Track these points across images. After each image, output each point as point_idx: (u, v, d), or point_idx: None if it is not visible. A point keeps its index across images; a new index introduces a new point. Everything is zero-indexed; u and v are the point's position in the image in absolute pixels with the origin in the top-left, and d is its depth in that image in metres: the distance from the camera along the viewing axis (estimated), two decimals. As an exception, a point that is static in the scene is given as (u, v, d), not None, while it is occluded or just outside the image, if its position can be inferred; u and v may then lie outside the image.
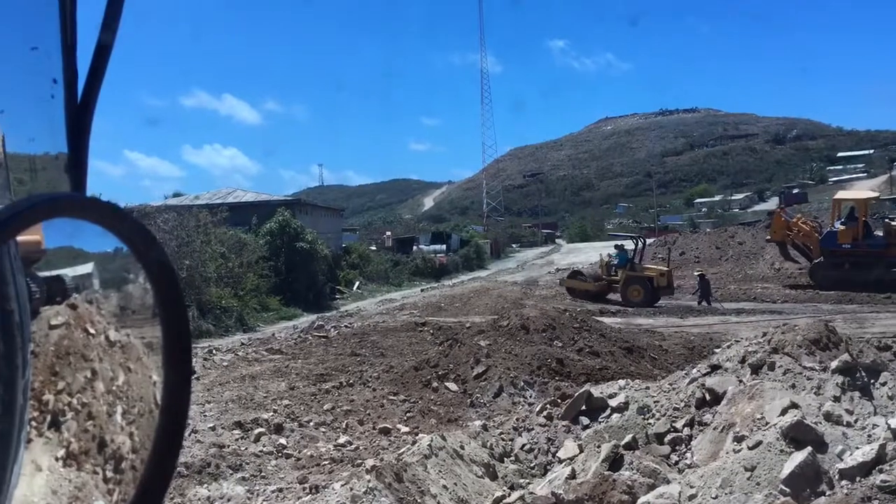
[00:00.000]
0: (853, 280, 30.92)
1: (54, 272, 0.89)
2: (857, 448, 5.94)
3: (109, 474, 0.90)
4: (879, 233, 32.90)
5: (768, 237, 38.20)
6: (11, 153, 1.02)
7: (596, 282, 32.10)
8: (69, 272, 0.91)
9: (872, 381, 7.71)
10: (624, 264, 31.07)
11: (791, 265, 36.82)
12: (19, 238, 0.77)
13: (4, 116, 0.94)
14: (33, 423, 0.84)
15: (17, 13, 0.94)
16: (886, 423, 6.14)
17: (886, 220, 34.14)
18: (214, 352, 19.64)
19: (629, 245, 32.03)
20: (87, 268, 0.93)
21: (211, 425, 11.29)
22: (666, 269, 31.26)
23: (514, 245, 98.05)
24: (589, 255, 63.51)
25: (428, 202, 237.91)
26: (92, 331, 0.91)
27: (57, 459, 0.83)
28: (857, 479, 5.60)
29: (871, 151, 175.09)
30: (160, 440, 0.93)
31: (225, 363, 18.04)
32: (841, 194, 38.51)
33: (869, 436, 6.17)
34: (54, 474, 0.83)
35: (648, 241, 59.40)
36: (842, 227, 32.89)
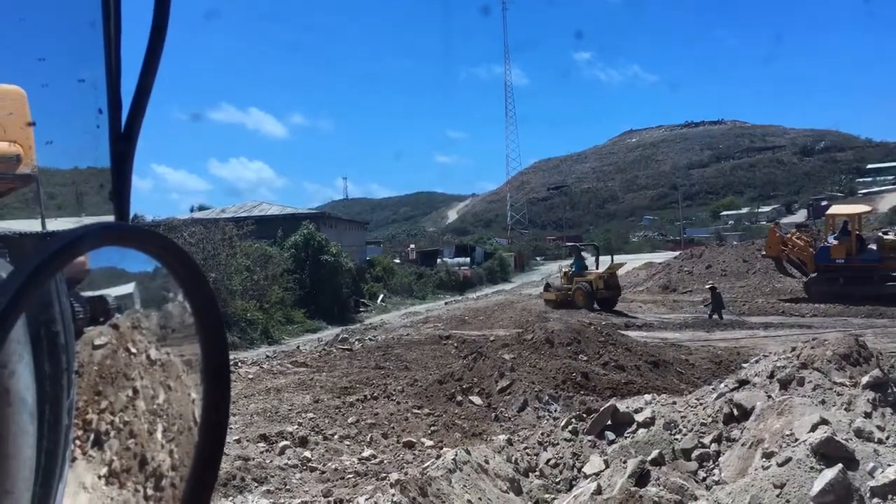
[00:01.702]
0: (848, 294, 30.73)
1: (97, 292, 0.92)
2: (889, 465, 5.85)
3: (150, 492, 0.92)
4: (873, 247, 32.58)
5: (763, 253, 38.44)
6: (55, 170, 1.05)
7: (558, 291, 34.13)
8: (111, 292, 0.94)
9: (904, 397, 7.58)
10: (579, 272, 34.03)
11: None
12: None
13: (53, 147, 0.97)
14: (77, 442, 0.87)
15: (64, 46, 0.98)
16: (919, 440, 6.04)
17: (880, 234, 33.75)
18: (240, 364, 19.77)
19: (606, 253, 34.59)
20: (128, 287, 0.95)
21: (236, 438, 11.35)
22: (605, 272, 33.14)
23: (538, 258, 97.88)
24: (614, 268, 63.20)
25: (452, 215, 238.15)
26: (133, 350, 0.94)
27: (100, 478, 0.85)
28: (889, 496, 5.51)
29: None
30: (199, 457, 0.94)
31: (250, 376, 18.14)
32: (834, 209, 38.34)
33: (901, 453, 6.08)
34: (97, 492, 0.85)
35: (674, 254, 59.20)
36: (835, 242, 32.72)
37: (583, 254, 36.46)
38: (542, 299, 35.78)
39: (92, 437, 0.86)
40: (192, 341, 0.97)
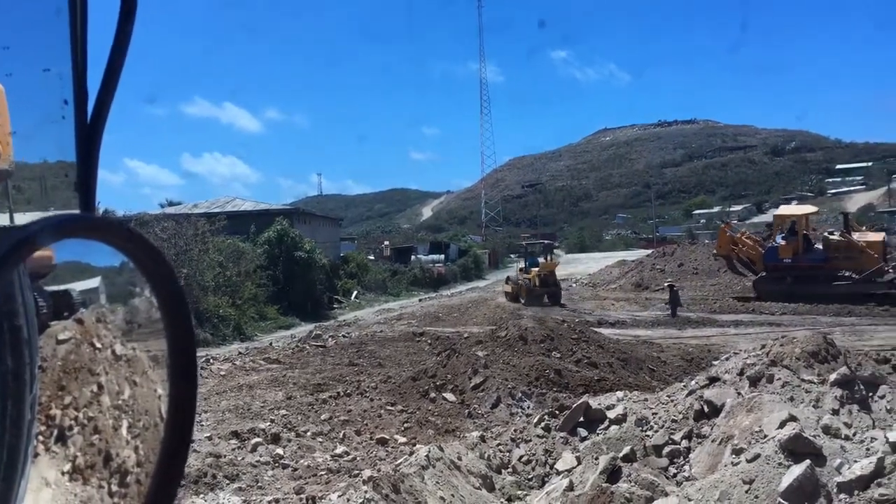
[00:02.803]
0: (795, 293, 31.43)
1: (61, 287, 0.90)
2: (856, 461, 5.94)
3: (115, 488, 0.91)
4: (820, 246, 33.26)
5: (715, 251, 39.33)
6: (22, 163, 1.03)
7: (515, 285, 37.03)
8: (76, 287, 0.92)
9: (871, 394, 7.71)
10: (528, 269, 36.70)
11: None
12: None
13: (17, 137, 0.95)
14: (40, 438, 0.85)
15: (29, 36, 0.96)
16: (885, 436, 6.13)
17: (826, 234, 34.51)
18: (212, 361, 19.62)
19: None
20: (93, 282, 0.93)
21: (207, 435, 11.26)
22: (542, 270, 35.53)
23: (512, 255, 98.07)
24: (587, 265, 63.60)
25: (426, 212, 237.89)
26: (98, 345, 0.92)
27: (63, 473, 0.84)
28: (856, 492, 5.59)
29: (870, 164, 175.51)
30: (165, 454, 0.93)
31: (222, 372, 18.01)
32: (782, 209, 39.34)
33: (867, 449, 6.16)
34: (60, 488, 0.84)
35: (647, 252, 59.69)
36: (783, 242, 33.45)
37: (531, 251, 40.60)
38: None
39: (55, 432, 0.84)
40: (159, 337, 0.95)
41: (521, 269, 38.53)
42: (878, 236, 34.49)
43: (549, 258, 38.91)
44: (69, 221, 0.73)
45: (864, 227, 37.86)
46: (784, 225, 34.88)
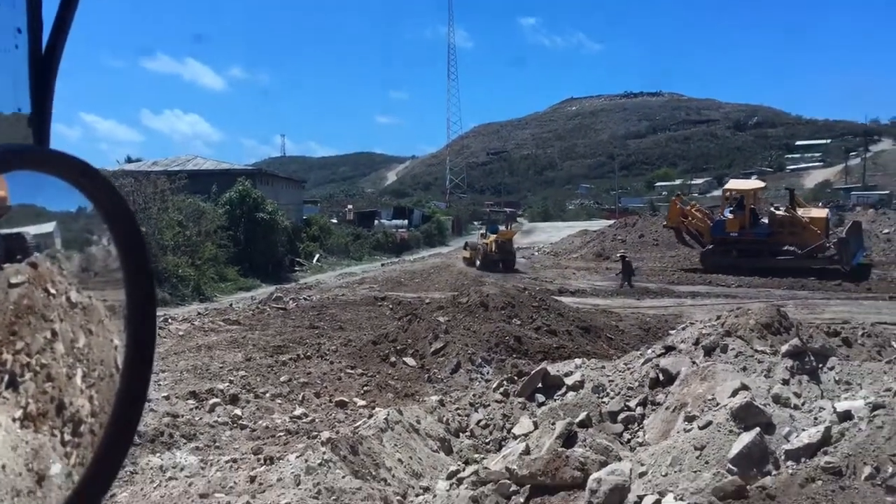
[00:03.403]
0: (740, 266, 32.31)
1: (15, 229, 0.87)
2: (804, 430, 6.08)
3: (67, 437, 0.89)
4: (765, 221, 34.07)
5: (665, 223, 40.34)
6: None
7: (473, 250, 38.31)
8: (30, 230, 0.89)
9: (821, 365, 7.90)
10: (489, 234, 38.12)
11: None
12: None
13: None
14: (-10, 383, 0.82)
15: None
16: (832, 406, 6.29)
17: (772, 209, 35.35)
18: (170, 321, 19.40)
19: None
20: (48, 227, 0.90)
21: (165, 394, 11.17)
22: (499, 237, 36.78)
23: (476, 222, 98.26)
24: (549, 234, 64.04)
25: (391, 176, 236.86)
26: (53, 291, 0.89)
27: (14, 420, 0.82)
28: (803, 459, 5.75)
29: (829, 141, 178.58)
30: (120, 405, 0.91)
31: (181, 333, 17.85)
32: (731, 184, 40.21)
33: (815, 418, 6.32)
34: (11, 435, 0.82)
35: (609, 222, 60.23)
36: (730, 216, 34.20)
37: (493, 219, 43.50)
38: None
39: (6, 378, 0.81)
40: (117, 287, 0.93)
41: (481, 235, 39.53)
42: (821, 212, 35.48)
43: (508, 226, 39.81)
44: (22, 151, 0.70)
45: (819, 204, 38.67)
46: (732, 199, 35.53)
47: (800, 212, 34.02)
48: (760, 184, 39.29)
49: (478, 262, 36.13)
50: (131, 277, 0.84)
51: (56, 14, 0.91)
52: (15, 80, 0.91)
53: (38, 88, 0.91)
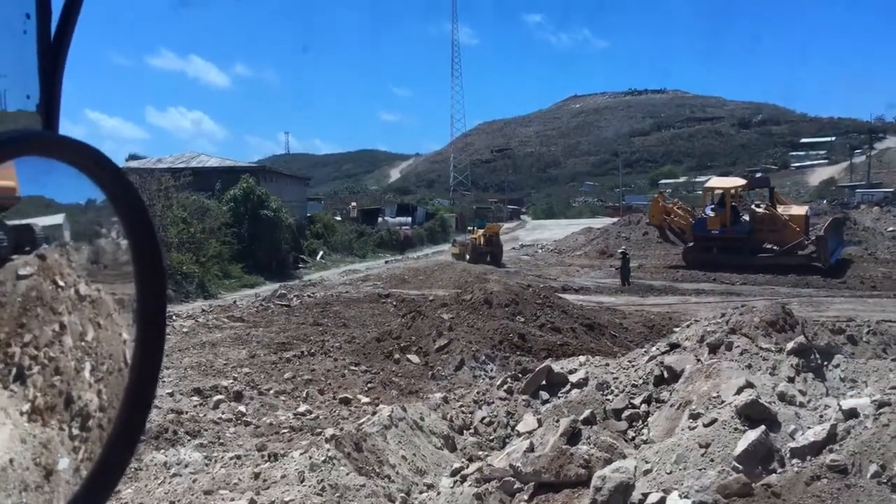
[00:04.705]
0: (720, 263, 32.38)
1: (24, 221, 0.86)
2: (809, 428, 6.07)
3: (76, 432, 0.88)
4: (746, 218, 34.12)
5: (648, 221, 40.86)
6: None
7: (462, 246, 39.93)
8: (39, 221, 0.88)
9: (826, 363, 7.88)
10: (477, 229, 40.26)
11: None
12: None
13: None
14: (-2, 376, 0.82)
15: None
16: (838, 404, 6.28)
17: (753, 206, 35.43)
18: (174, 318, 19.42)
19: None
20: (57, 219, 0.89)
21: (169, 391, 11.19)
22: (487, 232, 38.68)
23: (479, 220, 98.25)
24: (553, 231, 63.94)
25: (395, 174, 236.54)
26: (61, 283, 0.88)
27: (22, 414, 0.81)
28: (808, 457, 5.73)
29: (833, 138, 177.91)
30: (129, 399, 0.90)
31: (185, 329, 17.87)
32: (712, 182, 40.47)
33: (821, 416, 6.31)
34: (19, 428, 0.81)
35: (613, 220, 60.17)
36: (711, 214, 34.37)
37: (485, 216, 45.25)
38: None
39: (14, 371, 0.80)
40: (126, 280, 0.92)
41: (470, 231, 42.26)
42: (801, 210, 35.59)
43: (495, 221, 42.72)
44: (31, 136, 0.69)
45: (823, 202, 38.69)
46: (713, 197, 35.67)
47: (780, 209, 34.14)
48: (741, 181, 39.35)
49: (467, 256, 37.64)
50: (140, 265, 0.83)
51: (64, 1, 0.90)
52: (23, 65, 0.90)
53: (46, 74, 0.90)
